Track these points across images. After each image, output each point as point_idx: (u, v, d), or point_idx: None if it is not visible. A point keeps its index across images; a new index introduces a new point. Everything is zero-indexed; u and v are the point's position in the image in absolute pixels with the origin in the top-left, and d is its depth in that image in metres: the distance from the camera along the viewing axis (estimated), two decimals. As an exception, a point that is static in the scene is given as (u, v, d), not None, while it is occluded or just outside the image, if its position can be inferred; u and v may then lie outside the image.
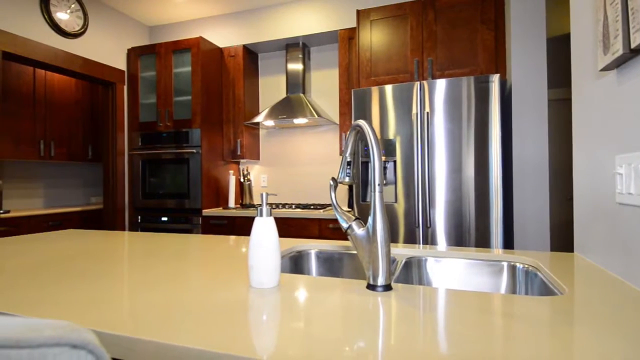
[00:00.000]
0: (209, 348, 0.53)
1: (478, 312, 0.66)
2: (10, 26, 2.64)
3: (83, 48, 3.14)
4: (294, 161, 3.59)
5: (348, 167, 1.03)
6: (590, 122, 1.04)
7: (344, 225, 0.85)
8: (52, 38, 2.90)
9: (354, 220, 0.85)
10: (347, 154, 1.02)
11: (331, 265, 1.35)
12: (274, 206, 3.22)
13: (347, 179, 1.02)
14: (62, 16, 2.95)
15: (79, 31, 3.07)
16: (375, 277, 0.80)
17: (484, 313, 0.66)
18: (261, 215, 0.85)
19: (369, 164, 2.47)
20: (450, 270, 1.18)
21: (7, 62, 3.25)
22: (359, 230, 0.83)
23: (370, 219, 0.81)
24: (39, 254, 1.23)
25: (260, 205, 0.85)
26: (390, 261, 0.80)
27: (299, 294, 0.78)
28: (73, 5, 3.03)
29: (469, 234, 2.25)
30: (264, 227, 0.84)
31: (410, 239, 2.35)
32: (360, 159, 2.49)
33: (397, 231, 2.38)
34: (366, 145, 2.49)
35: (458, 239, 2.26)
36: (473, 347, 0.52)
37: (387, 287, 0.80)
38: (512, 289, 1.11)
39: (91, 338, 0.25)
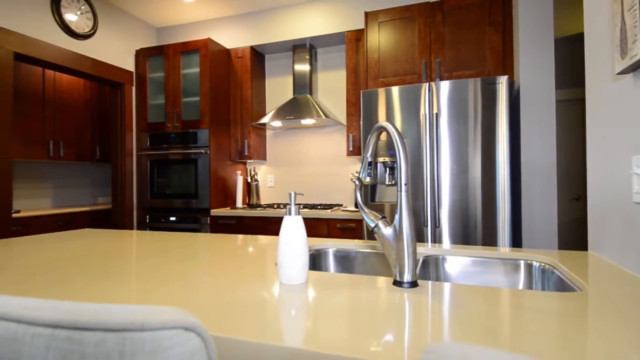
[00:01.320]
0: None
1: (506, 307, 0.69)
2: (22, 27, 2.67)
3: (92, 49, 3.17)
4: (300, 161, 3.61)
5: (369, 167, 1.06)
6: (605, 123, 1.07)
7: (371, 224, 0.88)
8: (62, 39, 2.93)
9: (380, 219, 0.88)
10: (368, 155, 1.05)
11: (348, 264, 1.38)
12: (282, 206, 3.25)
13: (368, 179, 1.05)
14: (72, 17, 2.98)
15: (89, 32, 3.10)
16: (401, 274, 0.83)
17: (512, 308, 0.68)
18: (290, 214, 0.87)
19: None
20: (467, 268, 1.21)
21: (18, 63, 3.28)
22: (385, 229, 0.86)
23: (396, 218, 0.84)
24: (75, 250, 1.26)
25: (289, 204, 0.88)
26: (416, 258, 0.83)
27: (330, 290, 0.80)
28: (83, 7, 3.05)
29: (476, 233, 2.28)
30: (293, 226, 0.86)
31: (419, 239, 2.37)
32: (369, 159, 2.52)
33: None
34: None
35: (465, 238, 2.28)
36: (507, 340, 0.55)
37: (414, 284, 0.83)
38: (529, 286, 1.14)
39: (198, 322, 0.27)
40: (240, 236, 1.60)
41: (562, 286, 0.98)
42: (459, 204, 2.29)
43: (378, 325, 0.61)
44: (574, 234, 3.92)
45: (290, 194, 0.88)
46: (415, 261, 0.82)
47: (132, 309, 0.27)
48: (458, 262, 1.22)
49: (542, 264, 1.11)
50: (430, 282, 0.85)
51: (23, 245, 1.41)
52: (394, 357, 0.50)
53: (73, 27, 2.98)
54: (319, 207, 3.16)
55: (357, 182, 0.94)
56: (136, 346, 0.25)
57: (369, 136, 1.01)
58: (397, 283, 0.83)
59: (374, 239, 2.46)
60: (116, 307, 0.27)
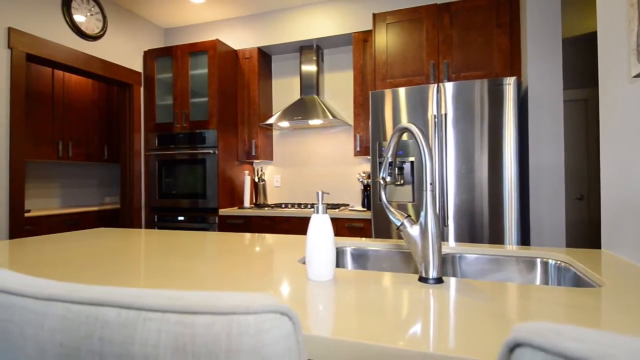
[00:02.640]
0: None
1: (532, 301, 0.72)
2: (34, 28, 2.70)
3: (102, 50, 3.20)
4: (307, 162, 3.64)
5: (389, 167, 1.08)
6: (620, 124, 1.10)
7: (397, 222, 0.90)
8: (73, 40, 2.96)
9: (406, 217, 0.90)
10: (389, 155, 1.08)
11: (364, 262, 1.41)
12: (289, 206, 3.28)
13: (388, 178, 1.07)
14: (82, 19, 3.00)
15: (99, 34, 3.13)
16: (427, 270, 0.86)
17: (538, 302, 0.71)
18: (318, 212, 0.90)
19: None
20: (483, 266, 1.24)
21: (28, 64, 3.31)
22: (411, 227, 0.89)
23: (422, 217, 0.87)
24: (99, 247, 1.29)
25: (316, 203, 0.90)
26: (441, 256, 0.85)
27: (359, 286, 0.83)
28: (93, 8, 3.08)
29: (482, 233, 2.30)
30: (321, 224, 0.89)
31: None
32: (378, 159, 2.55)
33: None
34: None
35: (471, 238, 2.31)
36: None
37: (439, 280, 0.85)
38: (545, 284, 1.17)
39: (289, 307, 0.30)
40: (256, 235, 1.63)
41: (579, 283, 1.01)
42: (466, 204, 2.32)
43: (426, 320, 0.64)
44: (577, 233, 3.95)
45: (317, 193, 0.91)
46: (441, 258, 0.85)
47: (235, 295, 0.29)
48: (474, 260, 1.25)
49: (558, 262, 1.14)
50: (454, 278, 0.88)
51: (47, 244, 1.43)
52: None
53: (83, 28, 3.00)
54: (326, 206, 3.18)
55: (381, 182, 0.97)
56: (242, 328, 0.28)
57: (391, 137, 1.04)
58: (423, 279, 0.86)
59: (383, 237, 2.49)
60: (222, 293, 0.30)
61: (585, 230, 3.93)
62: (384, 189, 0.97)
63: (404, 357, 0.53)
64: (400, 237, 2.49)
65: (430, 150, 0.87)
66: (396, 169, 2.56)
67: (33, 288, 0.32)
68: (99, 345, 0.29)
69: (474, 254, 1.25)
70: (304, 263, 1.15)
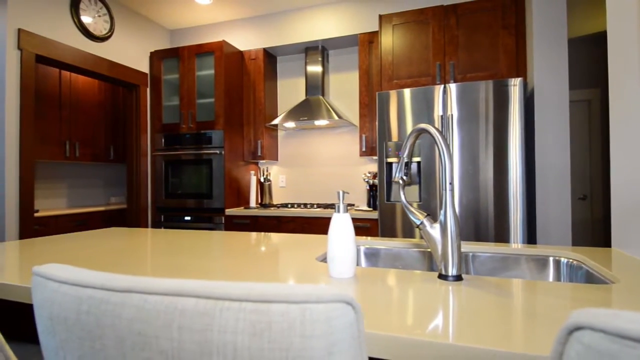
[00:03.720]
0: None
1: (551, 297, 0.74)
2: (43, 30, 2.72)
3: (109, 51, 3.22)
4: (311, 162, 3.66)
5: (405, 167, 1.11)
6: (631, 123, 1.12)
7: (417, 221, 0.93)
8: (81, 41, 2.98)
9: (425, 217, 0.93)
10: (405, 155, 1.10)
11: (377, 261, 1.43)
12: (295, 206, 3.30)
13: (404, 178, 1.10)
14: (90, 20, 3.03)
15: (106, 35, 3.15)
16: (446, 268, 0.88)
17: (558, 298, 0.73)
18: (339, 211, 0.93)
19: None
20: (495, 264, 1.26)
21: (36, 65, 3.32)
22: (430, 226, 0.91)
23: (441, 215, 0.89)
24: (119, 245, 1.31)
25: (337, 202, 0.93)
26: (461, 254, 0.88)
27: (381, 283, 0.85)
28: (101, 10, 3.10)
29: (488, 233, 2.33)
30: (342, 222, 0.91)
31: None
32: (385, 159, 2.57)
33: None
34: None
35: (477, 238, 2.34)
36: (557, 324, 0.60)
37: (458, 277, 0.88)
38: (558, 281, 1.19)
39: (353, 298, 0.32)
40: (270, 234, 1.65)
41: (592, 281, 1.03)
42: (472, 204, 2.34)
43: (453, 314, 0.66)
44: (580, 232, 3.97)
45: (338, 193, 0.93)
46: (460, 256, 0.88)
47: (305, 286, 0.32)
48: (487, 259, 1.27)
49: (570, 260, 1.16)
50: (473, 276, 0.91)
51: (61, 243, 1.46)
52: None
53: (91, 29, 3.03)
54: (332, 206, 3.21)
55: (401, 182, 0.99)
56: (314, 315, 0.30)
57: (407, 137, 1.06)
58: (443, 276, 0.88)
59: (389, 237, 2.51)
60: (292, 284, 0.32)
61: (588, 229, 3.96)
62: (402, 189, 0.99)
63: (434, 348, 0.55)
64: (406, 236, 2.51)
65: (449, 151, 0.90)
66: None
67: (109, 281, 0.34)
68: (178, 333, 0.31)
69: (487, 252, 1.27)
70: (322, 261, 1.17)
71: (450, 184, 0.89)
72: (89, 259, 1.16)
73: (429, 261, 1.34)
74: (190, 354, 0.31)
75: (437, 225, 0.90)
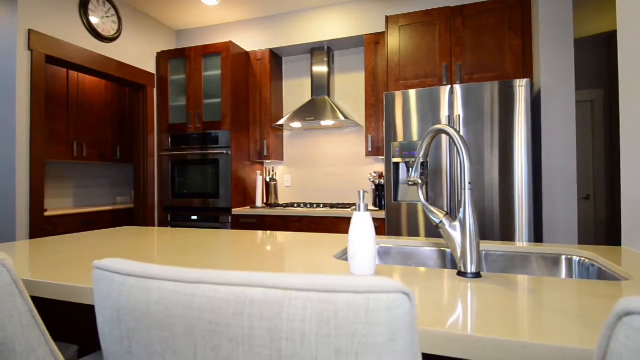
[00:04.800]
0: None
1: (569, 293, 0.76)
2: (53, 31, 2.74)
3: (117, 51, 3.24)
4: (317, 162, 3.69)
5: (422, 167, 1.13)
6: (642, 126, 1.15)
7: (436, 220, 0.95)
8: (90, 42, 3.00)
9: (444, 216, 0.95)
10: (421, 155, 1.12)
11: (389, 259, 1.45)
12: (301, 205, 3.32)
13: (420, 178, 1.12)
14: (99, 21, 3.05)
15: (114, 35, 3.17)
16: (465, 265, 0.91)
17: (576, 294, 0.76)
18: (359, 210, 0.95)
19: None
20: (507, 263, 1.28)
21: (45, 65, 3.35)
22: (450, 225, 0.93)
23: (461, 214, 0.91)
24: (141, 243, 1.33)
25: (358, 201, 0.95)
26: (480, 252, 0.90)
27: (403, 281, 0.88)
28: (109, 11, 3.13)
29: (493, 233, 2.35)
30: (363, 221, 0.94)
31: (438, 235, 2.45)
32: (392, 159, 2.60)
33: (433, 227, 2.48)
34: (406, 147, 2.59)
35: (483, 236, 2.36)
36: (589, 321, 0.62)
37: (477, 275, 0.90)
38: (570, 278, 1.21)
39: (409, 289, 0.35)
40: (281, 233, 1.68)
41: (605, 278, 1.05)
42: (477, 204, 2.37)
43: (485, 310, 0.69)
44: (584, 232, 4.00)
45: (359, 192, 0.96)
46: (480, 254, 0.90)
47: (367, 278, 0.34)
48: (499, 257, 1.29)
49: (583, 259, 1.19)
50: (491, 273, 0.93)
51: (74, 242, 1.48)
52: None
53: (99, 30, 3.05)
54: (338, 206, 3.23)
55: (419, 181, 1.02)
56: (377, 304, 0.32)
57: (424, 137, 1.09)
58: (462, 274, 0.91)
59: (396, 236, 2.54)
60: (357, 277, 0.34)
61: (591, 229, 3.99)
62: (421, 188, 1.01)
63: (462, 341, 0.58)
64: (411, 235, 2.54)
65: (468, 152, 0.92)
66: (408, 169, 2.61)
67: (179, 274, 0.37)
68: (249, 321, 0.34)
69: (499, 251, 1.30)
70: (340, 259, 1.20)
71: (470, 183, 0.91)
72: (113, 255, 1.18)
73: (442, 259, 1.36)
74: (260, 339, 0.34)
75: (456, 224, 0.92)
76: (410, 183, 1.11)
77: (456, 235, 0.92)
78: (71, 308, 1.25)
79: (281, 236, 1.59)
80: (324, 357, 0.33)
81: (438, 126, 1.00)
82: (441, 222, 0.94)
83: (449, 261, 1.35)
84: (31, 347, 0.59)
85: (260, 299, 0.34)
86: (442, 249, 1.36)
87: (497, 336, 0.56)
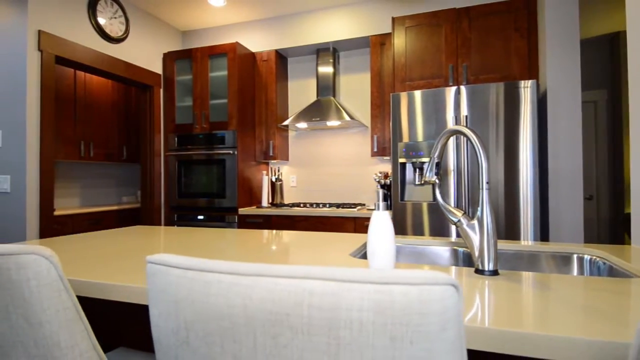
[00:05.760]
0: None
1: (586, 290, 0.79)
2: (62, 32, 2.76)
3: (124, 52, 3.27)
4: (322, 162, 3.71)
5: (436, 167, 1.15)
6: (652, 127, 1.17)
7: (454, 219, 0.98)
8: (98, 43, 3.03)
9: (462, 215, 0.98)
10: (436, 156, 1.15)
11: (399, 257, 1.48)
12: (307, 205, 3.35)
13: (435, 178, 1.14)
14: (107, 22, 3.07)
15: (122, 36, 3.20)
16: (483, 263, 0.93)
17: (593, 291, 0.78)
18: (378, 209, 0.97)
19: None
20: (518, 261, 1.31)
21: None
22: (468, 223, 0.96)
23: (479, 213, 0.94)
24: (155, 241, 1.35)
25: (377, 200, 0.97)
26: (497, 250, 0.92)
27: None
28: (117, 12, 3.15)
29: (499, 232, 2.38)
30: (383, 219, 0.96)
31: (445, 235, 2.47)
32: (398, 160, 2.62)
33: (438, 227, 2.51)
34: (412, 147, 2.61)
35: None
36: (610, 315, 0.65)
37: (495, 272, 0.92)
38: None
39: (457, 282, 0.37)
40: (292, 232, 1.70)
41: (617, 276, 1.08)
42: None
43: (498, 305, 0.71)
44: (587, 232, 4.02)
45: (377, 192, 0.98)
46: (497, 252, 0.92)
47: (419, 271, 0.37)
48: (510, 256, 1.32)
49: (594, 257, 1.21)
50: (507, 271, 0.95)
51: (99, 239, 1.50)
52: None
53: (107, 30, 3.07)
54: (344, 206, 3.26)
55: (436, 181, 1.04)
56: (431, 295, 0.35)
57: (439, 138, 1.11)
58: (479, 271, 0.93)
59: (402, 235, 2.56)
60: (412, 270, 0.37)
61: (594, 229, 4.02)
62: (438, 188, 1.04)
63: (485, 335, 0.60)
64: (416, 234, 2.56)
65: (486, 152, 0.94)
66: (416, 169, 2.63)
67: (237, 267, 0.39)
68: (308, 311, 0.36)
69: (511, 249, 1.32)
70: (356, 257, 1.22)
71: (487, 182, 0.93)
72: (127, 254, 1.20)
73: (454, 258, 1.39)
74: (319, 328, 0.36)
75: (474, 223, 0.95)
76: (424, 183, 1.13)
77: (474, 233, 0.94)
78: (90, 305, 1.27)
79: (293, 235, 1.62)
80: (380, 344, 0.35)
81: (455, 127, 1.03)
82: (459, 220, 0.97)
83: (461, 259, 1.37)
84: (74, 341, 0.61)
85: (318, 291, 0.36)
86: (455, 247, 1.38)
87: (525, 330, 0.59)
